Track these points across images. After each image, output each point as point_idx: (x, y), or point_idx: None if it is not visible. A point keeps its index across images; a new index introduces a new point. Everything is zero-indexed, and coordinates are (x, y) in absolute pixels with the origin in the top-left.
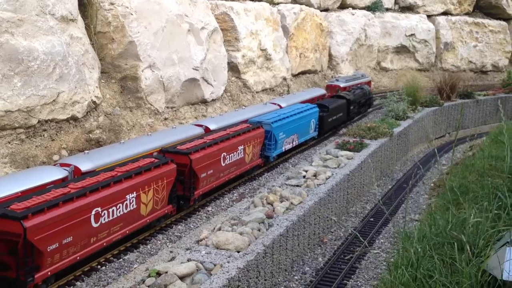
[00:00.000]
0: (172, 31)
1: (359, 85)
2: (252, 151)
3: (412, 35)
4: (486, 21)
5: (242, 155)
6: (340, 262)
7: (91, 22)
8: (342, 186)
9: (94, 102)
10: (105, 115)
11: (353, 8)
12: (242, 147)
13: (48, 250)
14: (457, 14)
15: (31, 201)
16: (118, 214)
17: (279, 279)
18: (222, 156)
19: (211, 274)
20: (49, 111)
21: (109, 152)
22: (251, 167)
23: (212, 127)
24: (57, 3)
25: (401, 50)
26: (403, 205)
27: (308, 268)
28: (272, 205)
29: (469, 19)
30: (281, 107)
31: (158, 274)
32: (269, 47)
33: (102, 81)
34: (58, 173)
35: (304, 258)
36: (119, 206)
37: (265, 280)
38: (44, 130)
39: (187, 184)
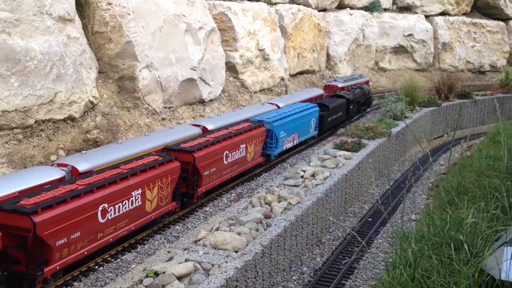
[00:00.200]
0: (170, 31)
1: (357, 85)
2: (254, 149)
3: (410, 35)
4: (484, 21)
5: (244, 154)
6: (338, 262)
7: (89, 22)
8: (340, 186)
9: (91, 102)
10: (102, 115)
11: (351, 8)
12: (244, 145)
13: (57, 244)
14: (455, 14)
15: (40, 197)
16: (124, 210)
17: (277, 279)
18: (224, 154)
19: (209, 274)
20: (46, 111)
21: (107, 152)
22: (253, 165)
23: (209, 127)
24: (54, 3)
25: (399, 50)
26: (401, 205)
27: (306, 268)
28: (270, 205)
29: (467, 19)
30: (279, 107)
31: (156, 274)
32: (267, 47)
33: (100, 81)
34: (55, 173)
35: (302, 258)
36: (125, 202)
37: (263, 280)
38: (41, 130)
39: (190, 181)
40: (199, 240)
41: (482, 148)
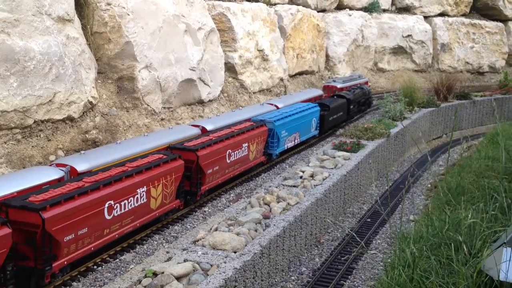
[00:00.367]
0: (169, 31)
1: (356, 86)
2: (256, 148)
3: (409, 36)
4: (483, 22)
5: (246, 153)
6: (337, 263)
7: (88, 22)
8: (339, 186)
9: (90, 103)
10: (101, 116)
11: (350, 9)
12: (246, 144)
13: (65, 240)
14: (454, 15)
15: (48, 193)
16: (130, 207)
17: (276, 280)
18: (227, 153)
19: (207, 275)
20: (45, 111)
21: (106, 152)
22: (254, 164)
23: (209, 127)
24: (54, 3)
25: (398, 51)
26: (400, 205)
27: (305, 269)
28: (269, 206)
29: (466, 20)
30: (278, 108)
31: (155, 274)
32: (266, 47)
33: (99, 81)
34: (54, 174)
35: (301, 259)
36: (131, 199)
37: (261, 280)
38: (40, 130)
39: (194, 179)
40: (198, 241)
41: (481, 149)
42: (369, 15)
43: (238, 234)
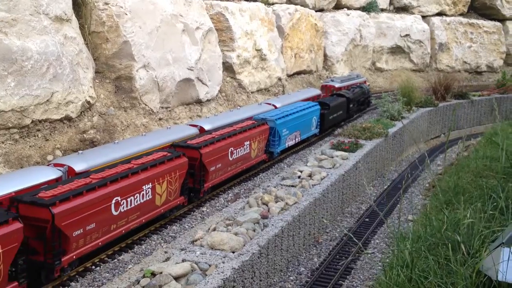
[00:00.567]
0: (167, 31)
1: (354, 85)
2: (257, 146)
3: (407, 35)
4: (481, 21)
5: (248, 151)
6: (336, 263)
7: (85, 22)
8: (337, 186)
9: (88, 102)
10: (99, 115)
11: (348, 8)
12: (248, 142)
13: (74, 235)
14: (452, 15)
15: (57, 189)
16: (136, 204)
17: (275, 280)
18: (229, 151)
19: (206, 275)
20: (43, 111)
21: (103, 152)
22: (256, 162)
23: (207, 127)
24: (51, 3)
25: (396, 50)
26: (398, 205)
27: (304, 269)
28: (267, 206)
29: (464, 20)
30: (276, 108)
31: (153, 274)
32: (264, 47)
33: (96, 81)
34: (52, 173)
35: (299, 259)
36: (137, 196)
37: (260, 280)
38: (38, 130)
39: (197, 177)
40: (196, 241)
41: (479, 148)
42: (367, 15)
43: (236, 234)
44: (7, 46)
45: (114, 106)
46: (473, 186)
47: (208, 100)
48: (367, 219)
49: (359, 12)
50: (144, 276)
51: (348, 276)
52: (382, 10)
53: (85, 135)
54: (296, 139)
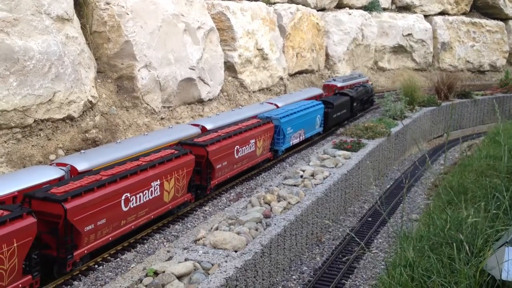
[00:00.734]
0: (168, 30)
1: (356, 85)
2: (262, 144)
3: (409, 34)
4: (483, 21)
5: (254, 149)
6: (338, 262)
7: (87, 21)
8: (339, 185)
9: (90, 102)
10: (101, 115)
11: (350, 7)
12: (253, 140)
13: (85, 230)
14: (454, 14)
15: (69, 185)
16: (145, 200)
17: (277, 279)
18: (235, 148)
19: (208, 274)
20: (45, 110)
21: (106, 151)
22: (261, 160)
23: (208, 126)
24: (53, 2)
25: (398, 50)
26: (401, 205)
27: (306, 268)
28: (269, 205)
29: (466, 19)
30: (278, 107)
31: (156, 273)
32: (266, 46)
33: (98, 80)
34: (54, 173)
35: (302, 258)
36: (145, 192)
37: (263, 279)
38: (40, 129)
39: (204, 174)
40: (198, 240)
41: (482, 147)
42: (369, 14)
43: (238, 233)
44: (9, 46)
45: (116, 105)
46: (476, 186)
47: (210, 100)
48: (369, 219)
49: (361, 11)
50: (147, 275)
51: (351, 275)
52: (384, 9)
53: (87, 135)
54: (301, 137)
